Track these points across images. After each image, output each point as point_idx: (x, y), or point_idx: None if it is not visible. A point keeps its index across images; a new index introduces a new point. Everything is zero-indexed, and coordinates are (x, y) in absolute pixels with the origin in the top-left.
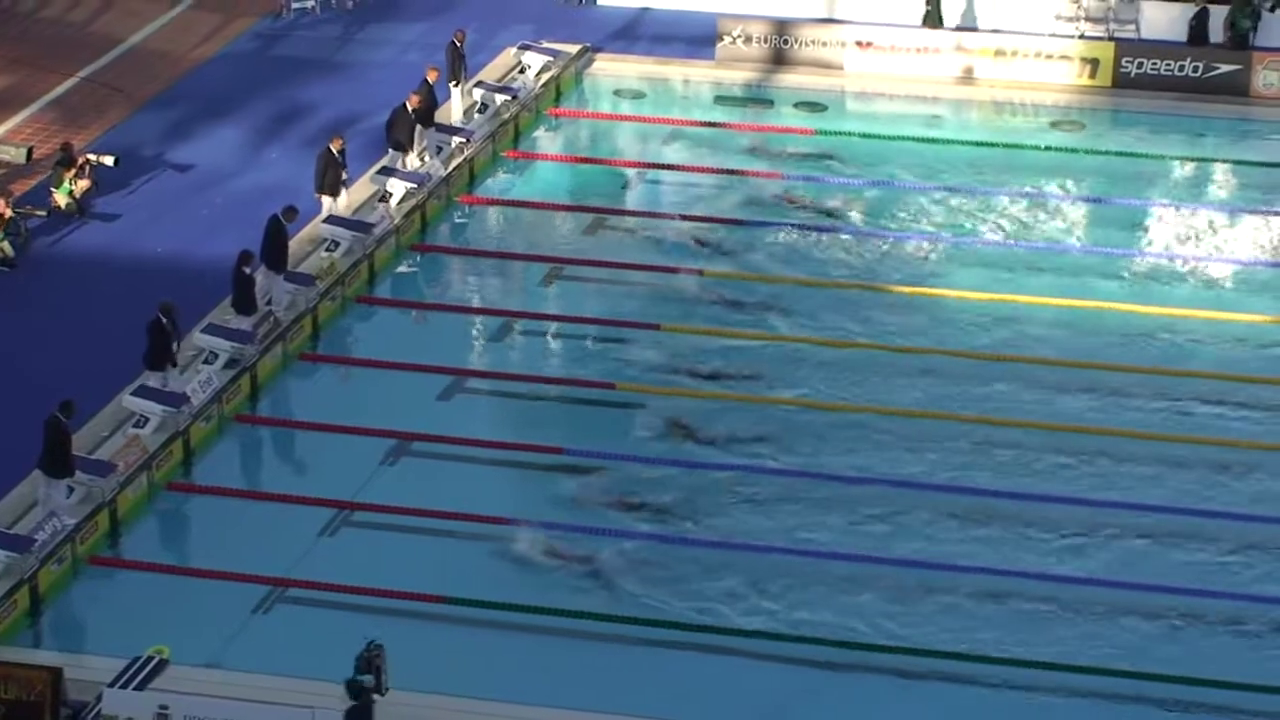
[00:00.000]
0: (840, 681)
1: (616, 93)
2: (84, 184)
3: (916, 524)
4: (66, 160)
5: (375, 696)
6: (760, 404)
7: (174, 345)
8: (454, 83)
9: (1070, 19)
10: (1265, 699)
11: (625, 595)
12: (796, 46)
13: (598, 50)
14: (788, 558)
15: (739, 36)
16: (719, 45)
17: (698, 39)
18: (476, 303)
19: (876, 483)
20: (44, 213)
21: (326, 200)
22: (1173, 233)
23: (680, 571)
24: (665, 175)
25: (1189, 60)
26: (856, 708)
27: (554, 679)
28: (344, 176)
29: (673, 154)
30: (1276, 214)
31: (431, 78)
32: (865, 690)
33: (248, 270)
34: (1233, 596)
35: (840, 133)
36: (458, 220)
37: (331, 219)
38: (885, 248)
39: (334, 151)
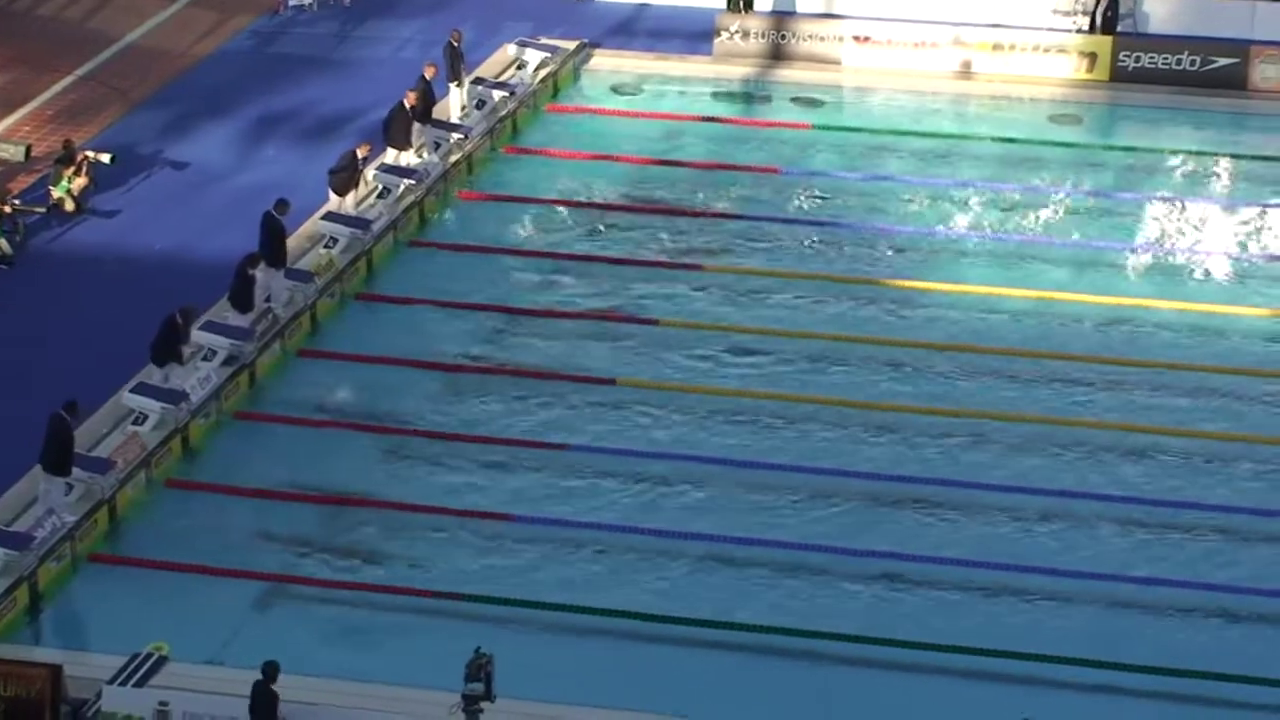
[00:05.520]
0: (855, 679)
1: (614, 89)
2: (81, 181)
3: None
4: (67, 158)
5: (484, 704)
6: None
7: (182, 346)
8: (454, 81)
9: (1067, 13)
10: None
11: None
12: (794, 41)
13: (595, 46)
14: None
15: (737, 32)
16: (717, 40)
17: (696, 34)
18: (475, 298)
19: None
20: (42, 210)
21: (335, 198)
22: (1171, 226)
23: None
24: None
25: (1187, 54)
26: (866, 706)
27: (558, 677)
28: (358, 180)
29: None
30: (1277, 207)
31: (429, 74)
32: (874, 689)
33: (252, 272)
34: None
35: (837, 127)
36: (455, 216)
37: (330, 215)
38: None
39: (358, 156)
